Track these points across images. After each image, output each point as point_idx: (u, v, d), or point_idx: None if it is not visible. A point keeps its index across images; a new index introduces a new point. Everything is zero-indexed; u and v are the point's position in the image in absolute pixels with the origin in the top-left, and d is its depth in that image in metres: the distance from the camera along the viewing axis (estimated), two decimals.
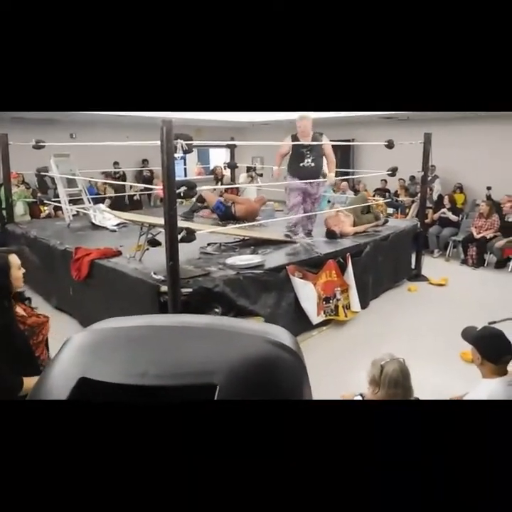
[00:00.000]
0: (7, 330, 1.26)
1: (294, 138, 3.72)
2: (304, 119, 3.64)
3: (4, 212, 4.67)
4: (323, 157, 3.71)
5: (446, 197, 5.86)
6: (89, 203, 4.89)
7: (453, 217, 5.68)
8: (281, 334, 0.39)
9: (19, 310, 1.39)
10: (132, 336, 0.39)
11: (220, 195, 4.98)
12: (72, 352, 0.38)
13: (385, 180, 6.90)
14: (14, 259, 1.39)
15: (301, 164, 3.64)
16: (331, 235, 3.90)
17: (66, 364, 0.38)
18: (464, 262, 5.30)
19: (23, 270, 1.43)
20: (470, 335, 1.47)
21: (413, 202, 5.81)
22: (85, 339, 0.40)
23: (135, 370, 0.35)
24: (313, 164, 3.65)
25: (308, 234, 3.88)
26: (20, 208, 5.09)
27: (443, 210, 5.75)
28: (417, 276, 4.58)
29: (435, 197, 6.28)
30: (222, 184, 5.77)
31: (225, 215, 4.64)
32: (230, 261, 3.03)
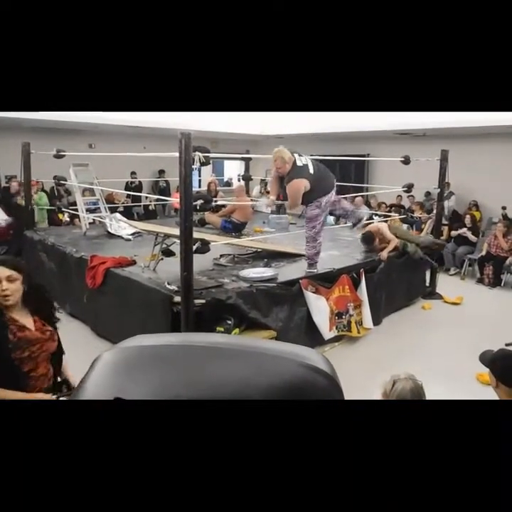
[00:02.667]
0: None
1: None
2: (278, 161, 3.12)
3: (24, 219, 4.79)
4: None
5: (468, 217, 5.72)
6: (106, 211, 4.99)
7: (472, 238, 5.56)
8: (316, 358, 0.39)
9: (26, 321, 1.33)
10: (165, 356, 0.38)
11: (214, 211, 4.96)
12: (104, 371, 0.38)
13: (401, 196, 6.87)
14: (1, 272, 1.25)
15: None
16: (366, 239, 3.87)
17: (99, 384, 0.37)
18: (480, 280, 5.19)
19: (11, 285, 1.26)
20: (486, 358, 1.43)
21: (429, 219, 5.74)
22: (117, 358, 0.39)
23: (168, 392, 0.35)
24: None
25: (312, 265, 3.33)
26: (39, 215, 5.23)
27: (463, 229, 5.63)
28: (431, 294, 4.49)
29: (446, 212, 6.20)
30: (216, 200, 5.72)
31: (236, 228, 4.65)
32: (243, 273, 3.03)
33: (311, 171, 3.14)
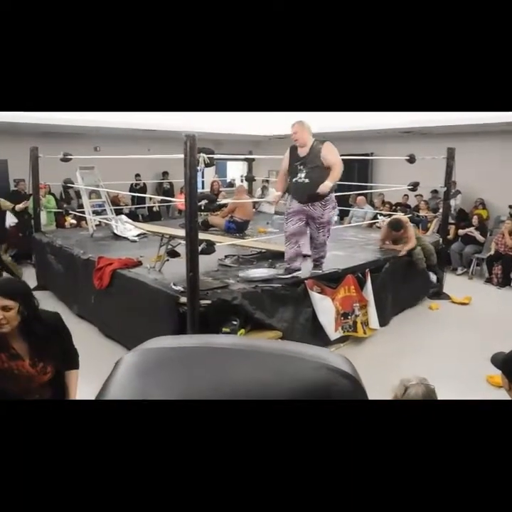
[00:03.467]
0: None
1: (292, 150, 3.00)
2: (296, 125, 2.93)
3: (32, 222, 4.86)
4: (325, 169, 2.87)
5: (475, 217, 5.66)
6: (112, 213, 5.04)
7: (480, 238, 5.48)
8: (338, 360, 0.39)
9: (21, 352, 1.26)
10: (190, 358, 0.38)
11: (216, 212, 4.95)
12: (128, 373, 0.38)
13: (407, 196, 6.83)
14: None
15: (294, 180, 2.96)
16: (395, 225, 3.94)
17: (124, 386, 0.37)
18: (489, 280, 5.12)
19: (7, 314, 1.21)
20: (498, 359, 1.41)
21: (435, 217, 5.69)
22: (139, 360, 0.39)
23: (192, 394, 0.35)
24: (307, 180, 2.89)
25: (318, 265, 3.21)
26: (46, 218, 5.30)
27: (470, 228, 5.57)
28: (438, 294, 4.45)
29: (452, 210, 6.14)
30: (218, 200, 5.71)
31: (240, 228, 4.65)
32: (242, 274, 3.03)
33: None
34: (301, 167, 2.91)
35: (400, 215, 4.28)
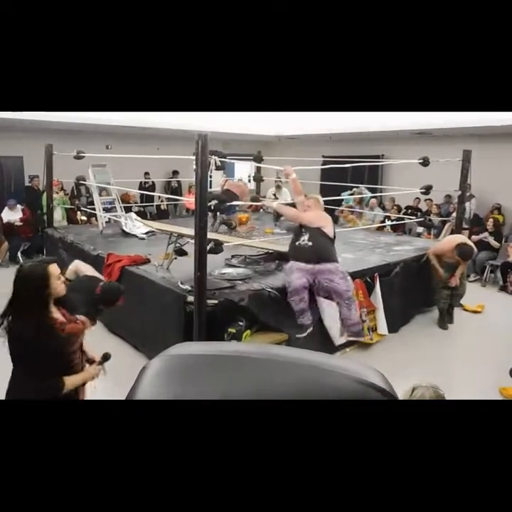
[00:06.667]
0: (46, 335, 1.30)
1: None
2: (312, 200, 2.97)
3: (45, 217, 4.94)
4: (327, 238, 2.82)
5: (491, 220, 5.50)
6: (122, 211, 5.09)
7: (494, 244, 5.34)
8: (372, 374, 0.38)
9: (59, 315, 1.43)
10: (218, 366, 0.38)
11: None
12: (155, 380, 0.37)
13: (419, 199, 6.74)
14: (54, 269, 1.41)
15: (297, 243, 2.86)
16: (467, 255, 3.36)
17: (151, 393, 0.37)
18: (503, 288, 5.00)
19: (62, 279, 1.47)
20: None
21: (446, 222, 5.59)
22: (169, 365, 0.39)
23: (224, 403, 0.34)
24: (310, 243, 2.78)
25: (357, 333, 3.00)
26: (58, 214, 5.38)
27: (485, 234, 5.44)
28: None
29: (467, 215, 6.03)
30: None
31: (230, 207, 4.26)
32: (217, 272, 3.04)
33: None
34: (304, 230, 2.88)
35: (466, 240, 3.62)
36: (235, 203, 4.15)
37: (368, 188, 6.23)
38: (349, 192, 6.09)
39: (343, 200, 6.08)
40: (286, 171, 3.15)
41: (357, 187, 6.28)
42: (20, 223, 5.72)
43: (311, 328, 2.91)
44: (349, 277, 2.96)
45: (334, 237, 2.95)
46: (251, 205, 5.24)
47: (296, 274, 2.83)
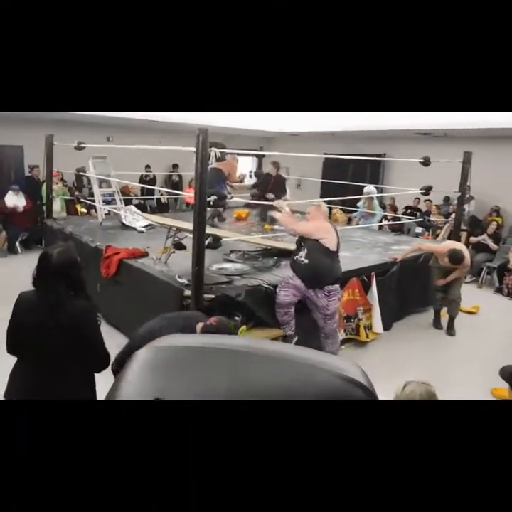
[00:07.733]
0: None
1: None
2: (313, 207, 2.81)
3: (44, 208, 4.93)
4: (328, 253, 2.62)
5: (494, 223, 5.53)
6: (121, 203, 5.08)
7: (493, 246, 5.38)
8: (353, 369, 0.39)
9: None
10: (203, 358, 0.38)
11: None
12: (141, 370, 0.38)
13: (418, 199, 6.74)
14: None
15: (295, 258, 2.72)
16: (456, 259, 3.33)
17: (137, 383, 0.38)
18: (499, 290, 5.02)
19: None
20: (506, 373, 1.39)
21: (446, 223, 5.60)
22: (154, 357, 0.39)
23: (206, 394, 0.35)
24: (306, 260, 2.61)
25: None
26: (57, 205, 5.37)
27: (483, 236, 5.46)
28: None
29: (466, 217, 6.03)
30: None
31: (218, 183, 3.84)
32: (215, 266, 3.05)
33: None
34: (303, 245, 2.70)
35: (462, 248, 3.61)
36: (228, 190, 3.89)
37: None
38: (363, 202, 6.05)
39: (358, 207, 6.07)
40: (279, 205, 2.99)
41: (365, 186, 6.17)
42: (24, 210, 5.66)
43: (296, 338, 2.81)
44: (338, 301, 2.81)
45: (338, 249, 2.68)
46: (242, 180, 4.95)
47: (285, 290, 2.71)
